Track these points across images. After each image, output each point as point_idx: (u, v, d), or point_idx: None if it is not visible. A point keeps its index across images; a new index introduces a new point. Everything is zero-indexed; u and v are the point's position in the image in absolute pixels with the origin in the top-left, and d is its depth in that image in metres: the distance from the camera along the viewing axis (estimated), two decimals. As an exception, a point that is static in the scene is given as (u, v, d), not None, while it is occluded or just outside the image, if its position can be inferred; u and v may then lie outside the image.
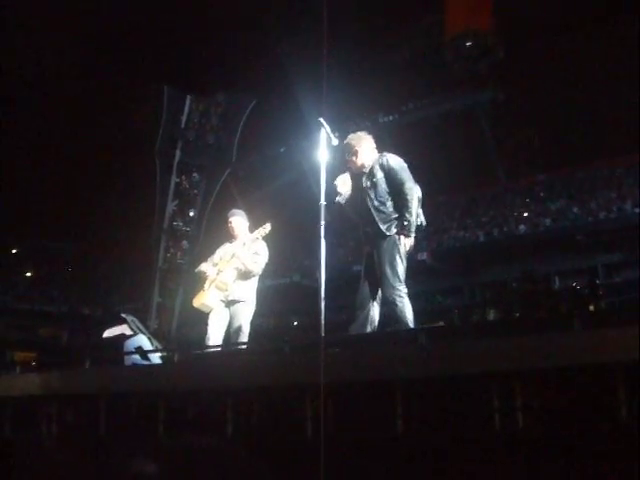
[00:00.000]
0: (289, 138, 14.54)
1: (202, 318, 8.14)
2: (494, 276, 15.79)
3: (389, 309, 6.44)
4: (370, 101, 13.84)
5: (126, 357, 6.60)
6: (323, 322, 6.12)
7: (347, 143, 6.86)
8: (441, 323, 8.06)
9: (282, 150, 16.57)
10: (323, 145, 6.70)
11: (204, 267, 8.36)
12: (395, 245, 6.49)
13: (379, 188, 6.65)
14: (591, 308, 11.81)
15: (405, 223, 6.44)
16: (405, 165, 6.76)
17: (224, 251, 8.43)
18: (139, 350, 6.55)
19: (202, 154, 20.36)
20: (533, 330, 4.75)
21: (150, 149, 20.10)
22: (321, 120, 6.73)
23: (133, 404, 5.80)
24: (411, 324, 6.31)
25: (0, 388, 6.86)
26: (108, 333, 8.45)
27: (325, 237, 6.27)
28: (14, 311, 26.59)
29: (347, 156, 6.88)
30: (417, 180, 6.83)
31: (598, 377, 4.06)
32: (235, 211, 8.57)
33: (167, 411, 5.50)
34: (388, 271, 6.40)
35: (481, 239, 17.50)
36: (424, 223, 6.72)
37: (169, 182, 20.53)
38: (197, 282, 8.42)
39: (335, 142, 6.80)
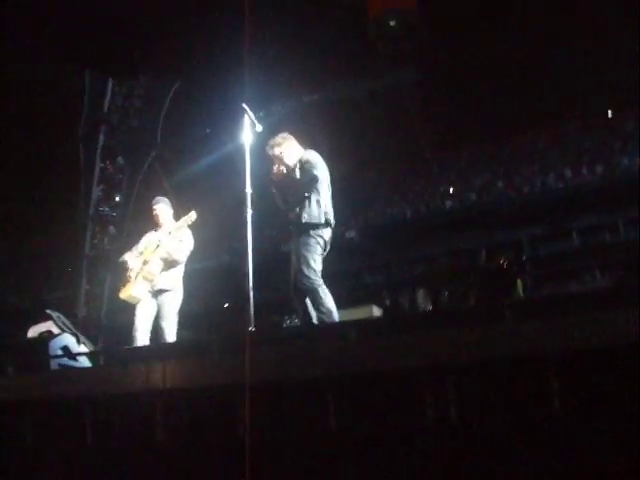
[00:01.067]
0: (214, 120, 14.30)
1: (130, 305, 8.08)
2: (422, 252, 15.90)
3: (309, 297, 6.66)
4: (294, 80, 13.68)
5: (52, 360, 6.44)
6: (253, 307, 6.17)
7: (271, 149, 6.98)
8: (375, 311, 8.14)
9: (207, 132, 16.30)
10: (247, 131, 6.69)
11: (128, 257, 8.29)
12: (308, 239, 6.73)
13: (298, 186, 6.82)
14: (519, 283, 12.03)
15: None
16: (322, 162, 6.93)
17: (149, 240, 8.40)
18: (65, 352, 6.40)
19: (126, 138, 19.97)
20: (463, 321, 4.79)
21: (73, 133, 19.62)
22: (244, 106, 6.72)
23: (60, 411, 5.67)
24: (333, 311, 6.56)
25: None
26: (32, 332, 8.25)
27: (252, 221, 6.35)
28: None
29: (274, 164, 7.00)
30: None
31: (533, 369, 4.12)
32: (159, 198, 8.54)
33: (95, 417, 5.40)
34: (303, 264, 6.64)
35: (408, 215, 17.60)
36: (331, 221, 6.91)
37: (94, 167, 20.08)
38: (122, 272, 8.32)
39: (259, 128, 6.82)
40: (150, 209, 8.49)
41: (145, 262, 8.09)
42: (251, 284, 6.30)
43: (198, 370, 5.21)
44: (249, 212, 6.48)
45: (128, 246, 8.67)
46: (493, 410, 4.20)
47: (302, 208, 6.78)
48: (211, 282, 16.71)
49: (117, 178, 20.49)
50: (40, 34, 15.87)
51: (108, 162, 20.09)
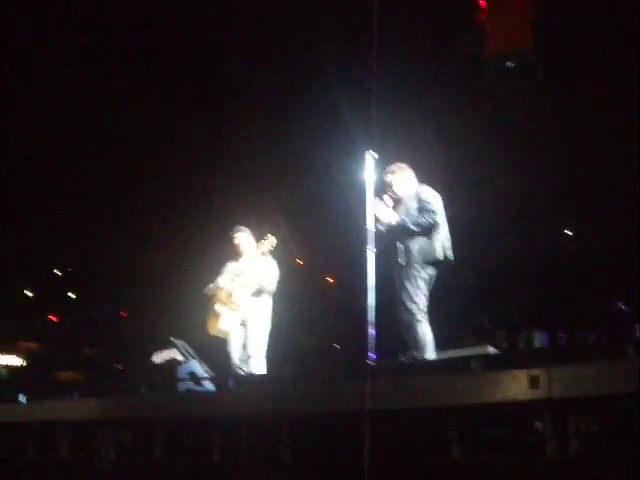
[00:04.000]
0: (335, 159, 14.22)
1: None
2: (537, 294, 15.57)
3: (407, 332, 6.55)
4: (415, 121, 13.78)
5: (179, 383, 6.64)
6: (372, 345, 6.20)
7: (385, 176, 6.97)
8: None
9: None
10: (369, 170, 6.82)
11: (212, 289, 8.13)
12: (414, 272, 6.61)
13: (410, 219, 6.79)
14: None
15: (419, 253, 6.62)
16: (439, 199, 6.89)
17: (231, 270, 8.20)
18: (192, 376, 6.60)
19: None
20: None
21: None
22: (370, 152, 6.86)
23: (189, 430, 5.88)
24: (430, 348, 6.42)
25: (57, 412, 6.99)
26: (157, 357, 8.45)
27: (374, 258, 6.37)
28: (56, 332, 26.81)
29: (386, 189, 7.00)
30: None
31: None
32: (240, 227, 8.34)
33: (222, 437, 5.58)
34: (405, 298, 6.54)
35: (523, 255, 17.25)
36: (450, 257, 6.81)
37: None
38: (208, 305, 8.14)
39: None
40: (230, 238, 8.28)
41: (230, 294, 7.92)
42: (372, 320, 6.36)
43: (320, 396, 5.29)
44: (371, 249, 6.53)
45: (211, 278, 8.38)
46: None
47: (414, 244, 6.70)
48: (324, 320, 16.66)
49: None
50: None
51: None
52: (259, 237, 8.20)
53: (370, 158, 6.95)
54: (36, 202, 20.00)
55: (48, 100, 16.39)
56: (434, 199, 6.88)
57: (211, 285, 8.18)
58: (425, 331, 6.51)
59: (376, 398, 4.73)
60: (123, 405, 6.44)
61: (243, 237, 8.25)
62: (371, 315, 6.17)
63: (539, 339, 13.30)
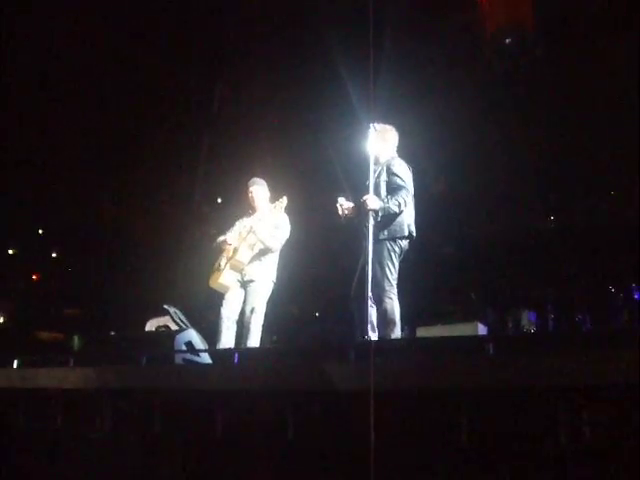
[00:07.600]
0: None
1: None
2: (526, 272, 15.58)
3: (378, 309, 6.66)
4: (412, 97, 13.73)
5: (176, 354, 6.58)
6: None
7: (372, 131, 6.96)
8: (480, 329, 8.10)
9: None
10: (372, 144, 6.80)
11: (222, 242, 7.94)
12: (386, 247, 6.72)
13: (380, 191, 6.84)
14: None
15: (380, 214, 6.61)
16: (409, 174, 6.94)
17: (242, 225, 8.01)
18: (189, 347, 6.53)
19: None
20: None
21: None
22: (373, 125, 6.85)
23: (190, 402, 5.86)
24: (398, 325, 6.59)
25: (54, 379, 6.93)
26: (150, 325, 8.35)
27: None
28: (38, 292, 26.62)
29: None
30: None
31: None
32: (256, 179, 8.13)
33: (225, 411, 5.56)
34: (378, 273, 6.56)
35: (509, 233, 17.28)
36: (413, 233, 6.90)
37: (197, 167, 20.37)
38: (215, 258, 8.03)
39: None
40: (246, 190, 8.08)
41: (235, 250, 7.70)
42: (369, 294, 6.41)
43: (319, 374, 5.26)
44: (371, 222, 6.54)
45: (224, 230, 8.24)
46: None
47: (385, 217, 6.73)
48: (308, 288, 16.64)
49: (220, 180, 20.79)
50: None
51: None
52: (275, 195, 8.03)
53: (373, 131, 7.00)
54: (16, 159, 19.56)
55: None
56: (406, 175, 6.93)
57: (221, 238, 8.02)
58: (397, 309, 6.66)
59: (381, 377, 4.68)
60: (122, 375, 6.38)
61: (258, 190, 8.05)
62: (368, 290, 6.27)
63: (527, 318, 13.47)
